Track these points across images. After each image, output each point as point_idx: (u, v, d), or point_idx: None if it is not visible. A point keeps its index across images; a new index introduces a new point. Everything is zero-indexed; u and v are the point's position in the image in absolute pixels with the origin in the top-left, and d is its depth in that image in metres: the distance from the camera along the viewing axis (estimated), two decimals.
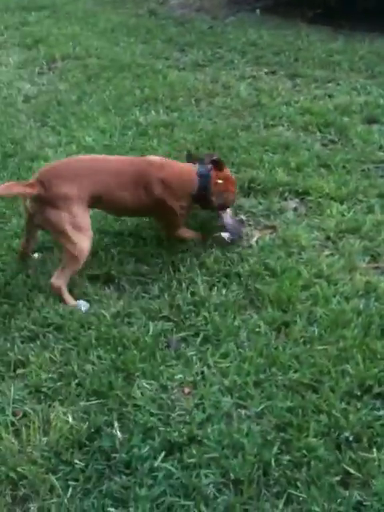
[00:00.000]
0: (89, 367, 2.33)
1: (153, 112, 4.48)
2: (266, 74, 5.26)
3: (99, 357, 2.38)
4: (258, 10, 7.01)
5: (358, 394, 2.17)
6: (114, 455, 1.99)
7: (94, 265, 2.91)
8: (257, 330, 2.48)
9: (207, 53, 5.74)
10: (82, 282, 2.79)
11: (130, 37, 6.31)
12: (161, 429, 2.07)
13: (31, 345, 2.47)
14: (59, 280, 2.66)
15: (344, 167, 3.66)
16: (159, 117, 4.41)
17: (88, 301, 2.69)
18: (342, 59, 5.39)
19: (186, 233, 3.02)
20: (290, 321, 2.52)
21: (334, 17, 6.37)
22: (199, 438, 2.03)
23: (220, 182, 2.92)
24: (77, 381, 2.28)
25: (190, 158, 3.09)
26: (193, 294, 2.70)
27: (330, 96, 4.69)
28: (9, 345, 2.47)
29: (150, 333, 2.48)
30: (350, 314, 2.52)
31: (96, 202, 2.74)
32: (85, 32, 6.55)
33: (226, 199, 2.97)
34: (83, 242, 2.64)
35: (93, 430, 2.08)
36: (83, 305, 2.66)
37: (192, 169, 2.95)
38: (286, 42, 5.91)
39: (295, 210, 3.35)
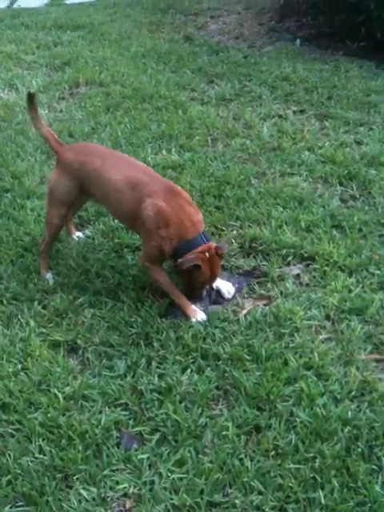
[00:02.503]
0: (25, 461, 2.06)
1: (164, 151, 4.21)
2: (294, 113, 4.90)
3: (40, 449, 2.11)
4: (298, 40, 6.68)
5: None
6: None
7: (61, 329, 2.65)
8: (224, 433, 2.15)
9: (235, 86, 5.42)
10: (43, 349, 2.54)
11: (159, 64, 6.07)
12: None
13: None
14: None
15: (360, 230, 3.28)
16: (170, 157, 4.13)
17: (45, 373, 2.43)
18: (380, 100, 4.98)
19: (158, 274, 2.77)
20: (264, 425, 2.17)
21: (379, 51, 5.97)
22: None
23: (206, 255, 2.64)
24: (8, 477, 2.01)
25: None
26: (161, 376, 2.40)
27: (358, 143, 4.30)
28: None
29: (102, 423, 2.19)
30: (335, 422, 2.15)
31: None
32: (115, 56, 6.35)
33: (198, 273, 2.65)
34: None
35: None
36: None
37: (199, 225, 2.71)
38: (322, 77, 5.53)
39: (297, 277, 3.00)
